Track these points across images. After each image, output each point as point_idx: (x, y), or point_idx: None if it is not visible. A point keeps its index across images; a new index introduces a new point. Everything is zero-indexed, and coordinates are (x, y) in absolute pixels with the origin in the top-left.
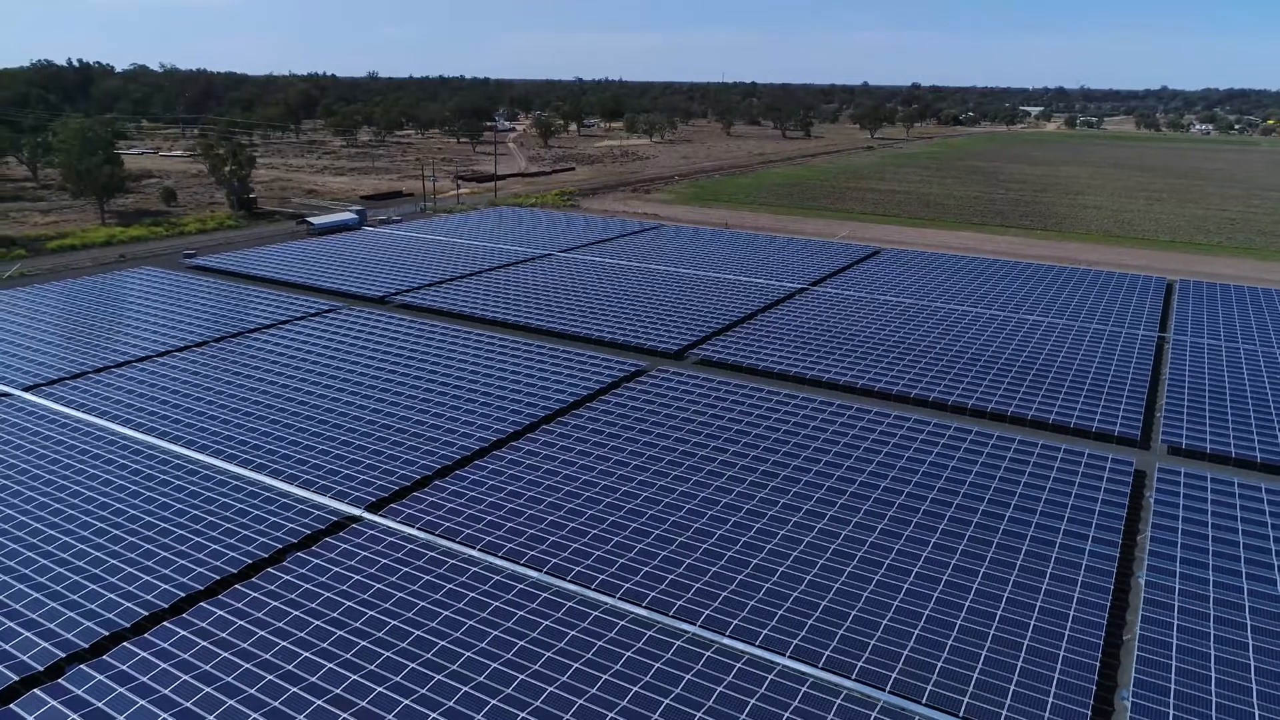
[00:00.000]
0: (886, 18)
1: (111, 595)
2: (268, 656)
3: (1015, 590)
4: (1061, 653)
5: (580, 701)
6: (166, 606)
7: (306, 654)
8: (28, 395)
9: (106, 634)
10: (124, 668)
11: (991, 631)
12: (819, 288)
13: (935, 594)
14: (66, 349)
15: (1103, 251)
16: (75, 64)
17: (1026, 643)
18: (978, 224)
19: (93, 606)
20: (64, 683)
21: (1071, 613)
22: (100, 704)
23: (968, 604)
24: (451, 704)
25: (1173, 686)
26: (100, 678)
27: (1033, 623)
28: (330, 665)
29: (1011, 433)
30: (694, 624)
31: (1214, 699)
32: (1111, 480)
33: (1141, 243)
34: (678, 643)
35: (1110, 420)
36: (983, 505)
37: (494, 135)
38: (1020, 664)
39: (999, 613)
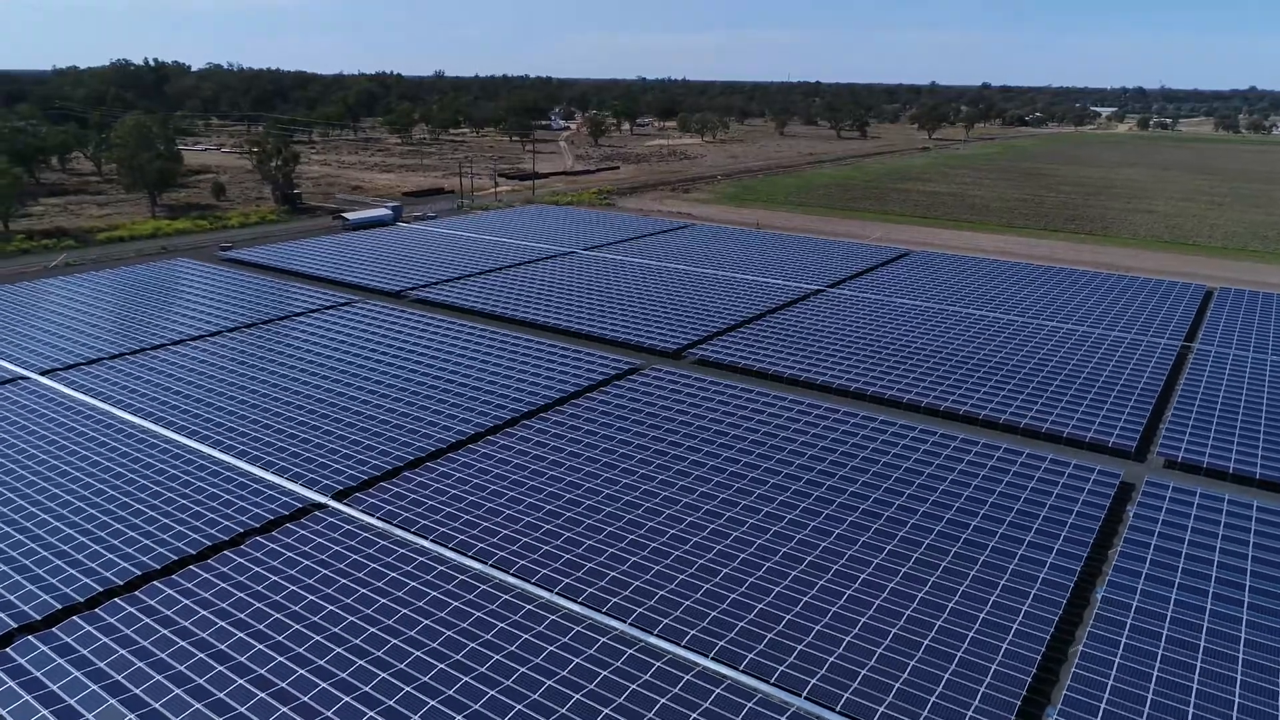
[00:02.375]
0: (959, 17)
1: (72, 570)
2: (204, 635)
3: (962, 600)
4: (994, 666)
5: (492, 693)
6: (121, 584)
7: (241, 634)
8: (42, 379)
9: (60, 607)
10: (69, 640)
11: (926, 642)
12: (836, 289)
13: (877, 601)
14: (89, 335)
15: (1147, 257)
16: (151, 63)
17: (960, 654)
18: (1020, 227)
19: (52, 580)
20: (10, 652)
21: (1015, 626)
22: (38, 674)
23: (908, 613)
24: (367, 689)
25: (1103, 707)
26: (44, 648)
27: (971, 634)
28: (260, 646)
29: (999, 440)
30: (624, 621)
31: None
32: (1092, 492)
33: (1192, 249)
34: (602, 639)
35: (1107, 431)
36: (949, 514)
37: (532, 136)
38: (948, 676)
39: (939, 623)
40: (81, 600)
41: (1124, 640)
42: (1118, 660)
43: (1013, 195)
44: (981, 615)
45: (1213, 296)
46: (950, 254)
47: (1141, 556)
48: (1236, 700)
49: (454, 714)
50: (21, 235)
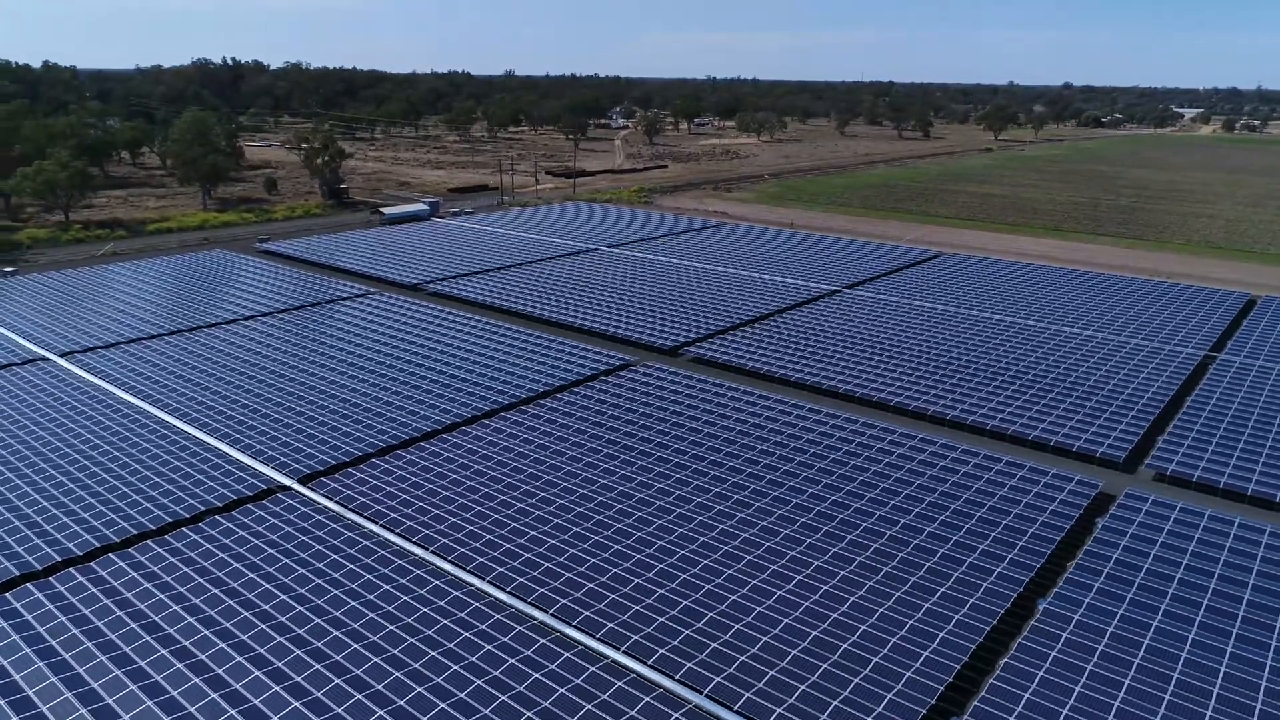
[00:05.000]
0: (1041, 16)
1: (37, 539)
2: (142, 607)
3: (895, 605)
4: (909, 674)
5: (397, 674)
6: (80, 554)
7: (176, 607)
8: (60, 360)
9: (17, 574)
10: (18, 605)
11: (845, 646)
12: (854, 290)
13: (806, 603)
14: (112, 320)
15: (1196, 263)
16: (230, 62)
17: (877, 660)
18: (1067, 231)
19: (17, 549)
20: None
21: (942, 634)
22: None
23: (835, 615)
24: (280, 664)
25: None
26: None
27: (894, 640)
28: (190, 620)
29: (979, 446)
30: (546, 611)
31: None
32: (1064, 502)
33: (1247, 255)
34: (519, 627)
35: (1098, 441)
36: (906, 519)
37: (581, 134)
38: (858, 681)
39: (864, 627)
40: (39, 569)
41: (1053, 654)
42: (1040, 674)
43: (1067, 198)
44: (910, 622)
45: (1254, 305)
46: (983, 257)
47: (1098, 569)
48: None
49: (355, 692)
50: (79, 225)
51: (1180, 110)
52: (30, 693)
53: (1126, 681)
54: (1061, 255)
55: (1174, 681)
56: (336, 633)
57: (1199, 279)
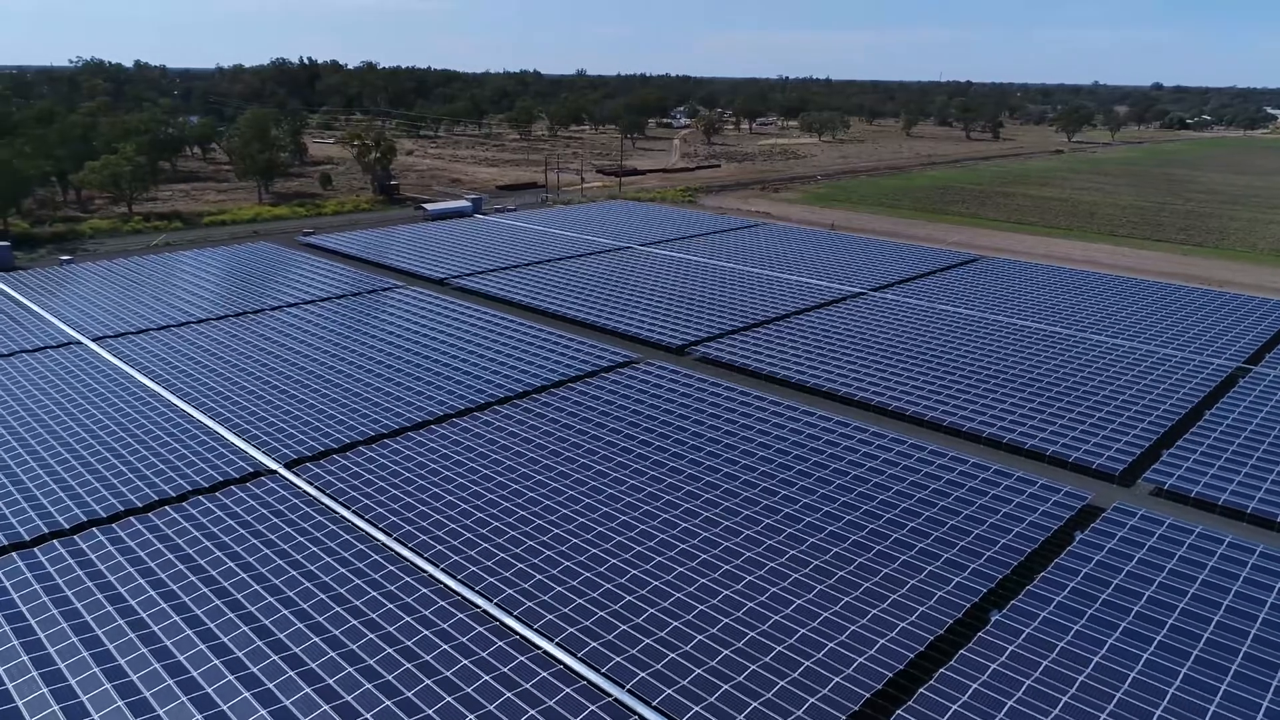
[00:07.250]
0: (1129, 14)
1: (29, 510)
2: (112, 579)
3: (843, 610)
4: (838, 679)
5: (332, 654)
6: (68, 528)
7: (142, 580)
8: (92, 344)
9: (7, 543)
10: (0, 573)
11: (779, 649)
12: (879, 293)
13: (750, 604)
14: (148, 307)
15: (1255, 272)
16: (306, 61)
17: (808, 664)
18: (1122, 236)
19: (11, 520)
20: None
21: (883, 641)
22: None
23: (776, 618)
24: (226, 639)
25: None
26: None
27: (832, 645)
28: (151, 593)
29: (970, 454)
30: (491, 601)
31: None
32: (1047, 513)
33: None
34: (459, 615)
35: (1098, 452)
36: (875, 524)
37: (636, 134)
38: (784, 684)
39: (803, 631)
40: (27, 539)
41: (994, 667)
42: (975, 686)
43: (1131, 202)
44: (853, 628)
45: None
46: (1023, 261)
47: (1064, 582)
48: None
49: (288, 668)
50: (139, 217)
51: (1275, 112)
52: None
53: (1064, 699)
54: (1108, 261)
55: (1116, 701)
56: (285, 611)
57: (1253, 288)
